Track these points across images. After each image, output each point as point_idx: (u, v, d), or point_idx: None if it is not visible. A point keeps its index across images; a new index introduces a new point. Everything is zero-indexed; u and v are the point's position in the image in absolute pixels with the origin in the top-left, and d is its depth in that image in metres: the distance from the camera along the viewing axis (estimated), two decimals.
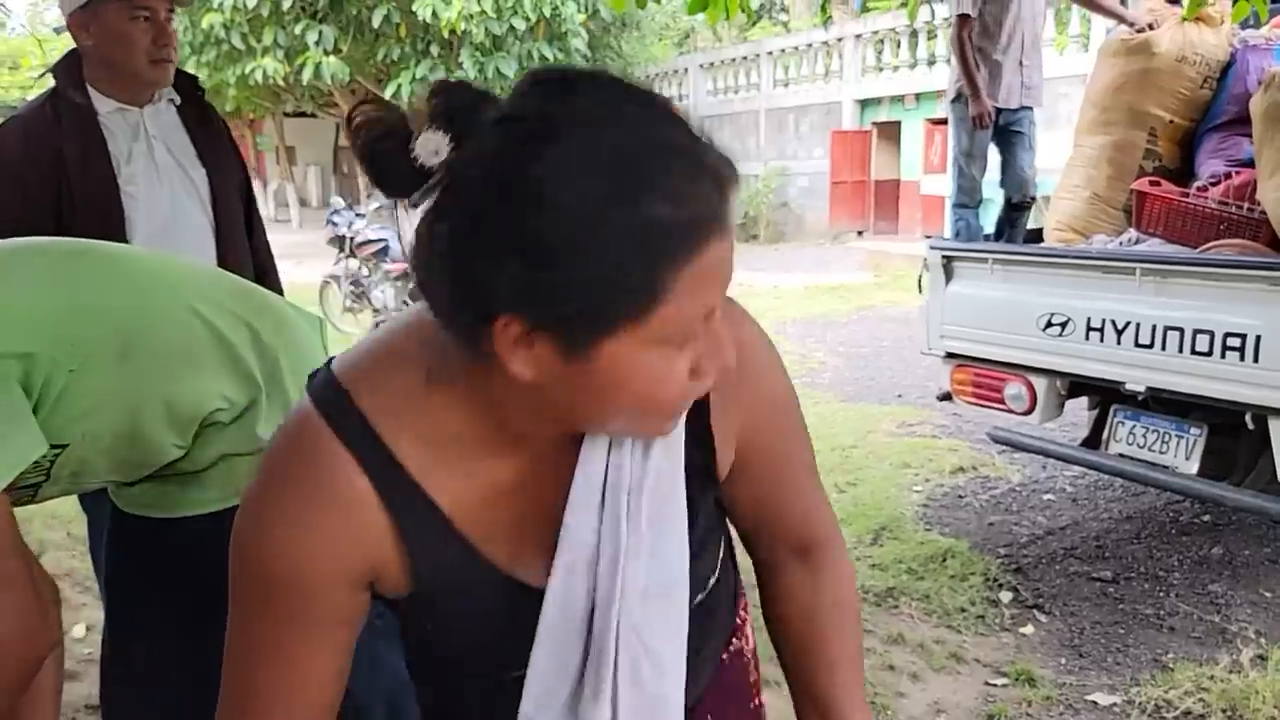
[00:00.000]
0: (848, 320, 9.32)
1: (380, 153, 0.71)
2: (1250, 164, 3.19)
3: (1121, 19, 3.98)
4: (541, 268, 0.65)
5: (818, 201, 18.45)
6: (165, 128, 2.21)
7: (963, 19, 3.82)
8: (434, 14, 12.38)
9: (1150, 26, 3.67)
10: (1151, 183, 3.32)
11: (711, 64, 21.80)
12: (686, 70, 22.28)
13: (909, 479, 4.34)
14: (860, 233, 17.87)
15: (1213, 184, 3.35)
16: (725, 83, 21.28)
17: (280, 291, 2.24)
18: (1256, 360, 2.88)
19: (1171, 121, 3.63)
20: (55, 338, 1.26)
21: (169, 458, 1.42)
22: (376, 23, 12.78)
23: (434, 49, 13.59)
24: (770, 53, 20.10)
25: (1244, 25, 3.57)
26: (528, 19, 12.86)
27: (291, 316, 1.62)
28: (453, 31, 12.76)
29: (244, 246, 2.33)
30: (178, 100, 2.25)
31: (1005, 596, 3.31)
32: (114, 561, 1.63)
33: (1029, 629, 3.13)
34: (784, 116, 19.62)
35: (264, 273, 2.39)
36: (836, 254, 15.49)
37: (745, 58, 20.85)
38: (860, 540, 3.84)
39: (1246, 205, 3.15)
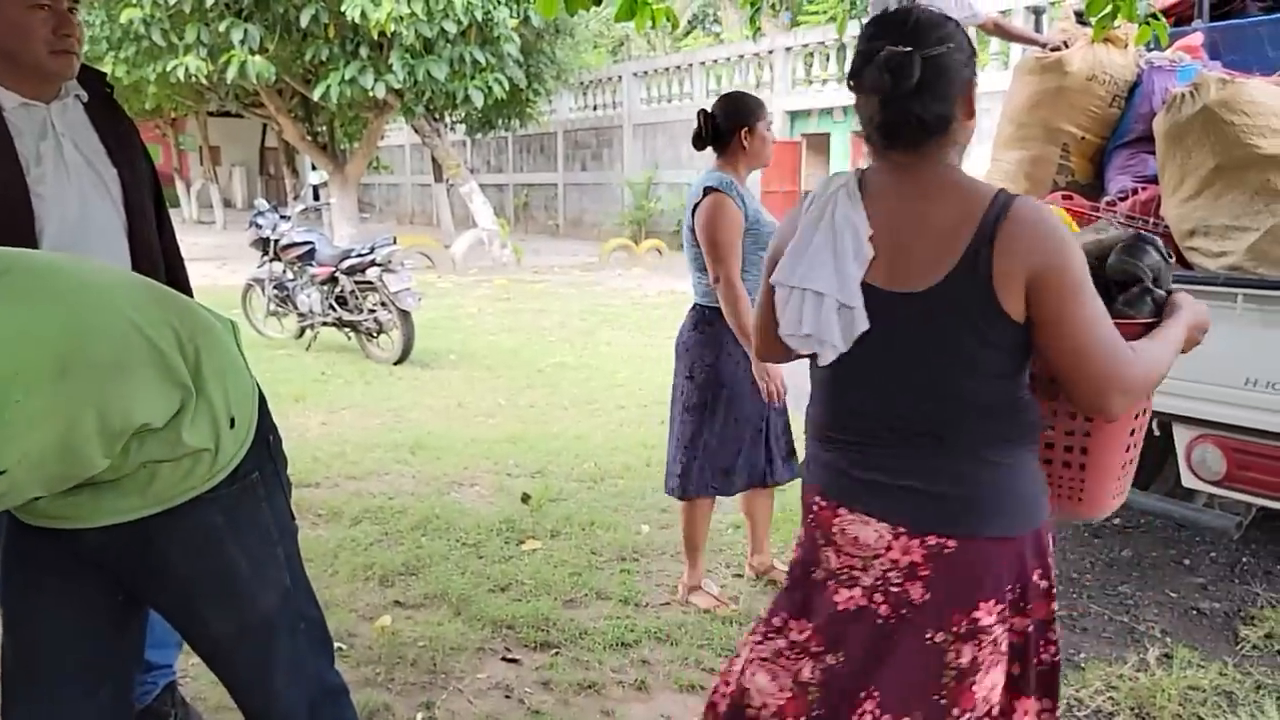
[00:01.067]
0: None
1: None
2: (1155, 180, 3.32)
3: (1034, 42, 4.12)
4: None
5: None
6: (73, 125, 2.14)
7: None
8: (363, 15, 12.19)
9: (1063, 46, 3.80)
10: (1064, 197, 3.43)
11: (645, 72, 21.91)
12: (620, 78, 22.35)
13: None
14: None
15: (1121, 199, 3.48)
16: (659, 91, 21.41)
17: (190, 292, 2.19)
18: None
19: (1083, 138, 3.76)
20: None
21: (95, 470, 1.38)
22: (304, 22, 12.54)
23: (363, 50, 13.38)
24: (703, 63, 20.29)
25: (1149, 47, 3.71)
26: (459, 22, 12.74)
27: (208, 319, 1.59)
28: (382, 33, 12.59)
29: (156, 247, 2.27)
30: (84, 96, 2.18)
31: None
32: (13, 575, 1.58)
33: None
34: None
35: (174, 273, 2.34)
36: None
37: (679, 67, 21.02)
38: (787, 542, 3.89)
39: (1152, 220, 3.28)
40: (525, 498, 4.40)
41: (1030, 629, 1.61)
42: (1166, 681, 2.77)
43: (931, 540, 1.53)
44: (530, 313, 10.89)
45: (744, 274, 3.10)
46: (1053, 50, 3.84)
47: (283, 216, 8.54)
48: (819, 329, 1.56)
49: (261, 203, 8.78)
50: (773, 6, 6.07)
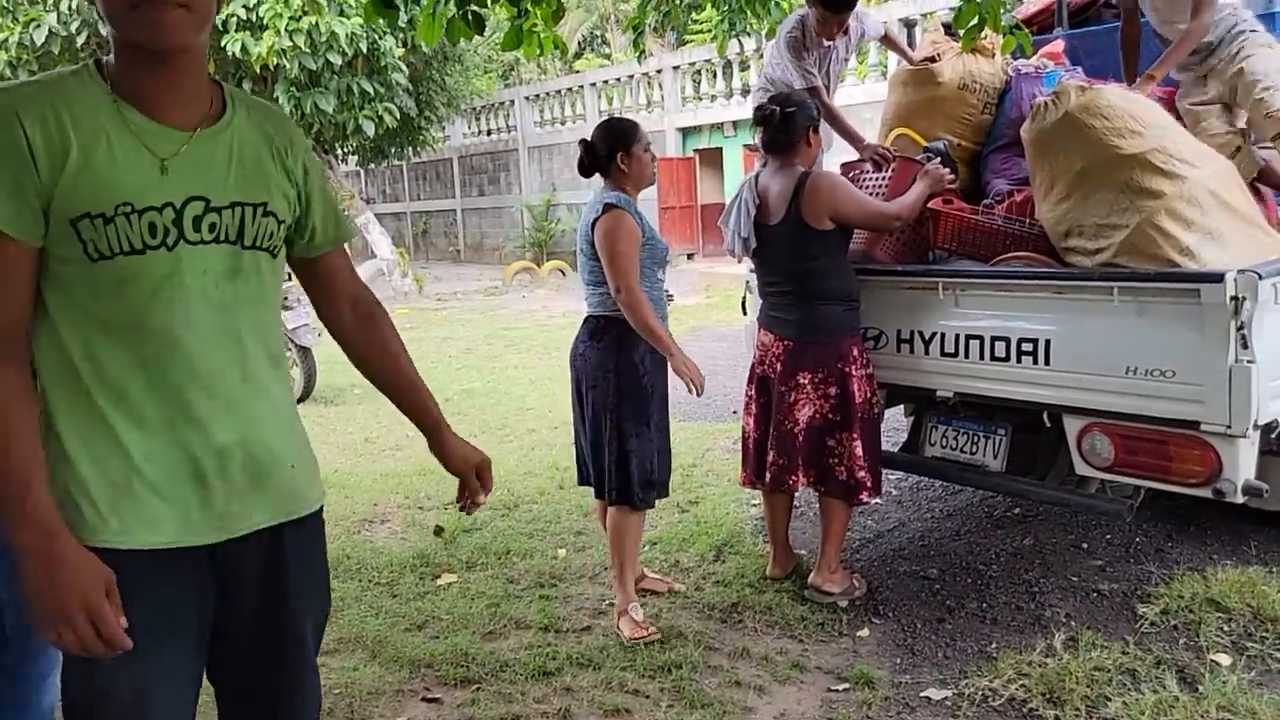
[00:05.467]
0: (682, 340, 9.43)
1: None
2: (1029, 182, 3.46)
3: (905, 56, 4.27)
4: None
5: None
6: None
7: (813, 90, 4.04)
8: (244, 49, 11.93)
9: (933, 59, 3.94)
10: (945, 201, 3.55)
11: (537, 96, 21.95)
12: (513, 102, 22.34)
13: (747, 494, 4.46)
14: (690, 255, 18.31)
15: (998, 202, 3.62)
16: (551, 114, 21.47)
17: None
18: (1048, 363, 3.13)
19: (959, 144, 3.91)
20: None
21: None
22: None
23: (246, 85, 13.07)
24: (594, 84, 20.43)
25: (1015, 55, 3.88)
26: (344, 54, 12.56)
27: None
28: (265, 67, 12.33)
29: None
30: None
31: (842, 602, 3.44)
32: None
33: (865, 632, 3.26)
34: None
35: None
36: (669, 277, 15.77)
37: (570, 89, 21.11)
38: (704, 558, 3.92)
39: (1028, 221, 3.42)
40: (438, 531, 4.32)
41: (836, 392, 3.34)
42: (1074, 665, 2.87)
43: (786, 341, 3.38)
44: (435, 340, 10.75)
45: (640, 285, 3.22)
46: (926, 61, 3.98)
47: None
48: (734, 246, 3.52)
49: None
50: (655, 29, 6.20)
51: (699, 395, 3.29)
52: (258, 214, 1.47)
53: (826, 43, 4.05)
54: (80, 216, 1.32)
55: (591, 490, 3.51)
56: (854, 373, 3.35)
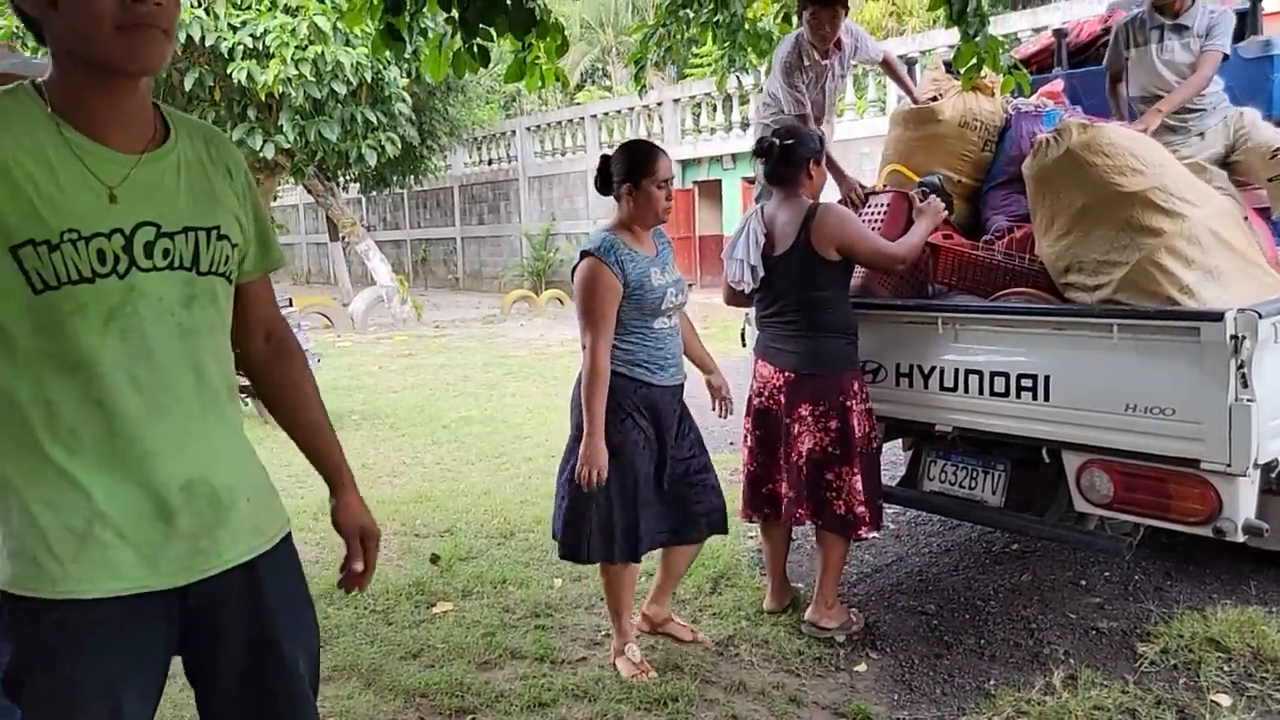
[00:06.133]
0: None
1: None
2: (1029, 218, 3.49)
3: (909, 91, 4.32)
4: None
5: None
6: None
7: (803, 118, 4.12)
8: (249, 77, 12.02)
9: (937, 96, 3.99)
10: (944, 236, 3.57)
11: (538, 126, 22.10)
12: (514, 132, 22.49)
13: (744, 526, 4.43)
14: (690, 285, 18.34)
15: (998, 238, 3.65)
16: (552, 144, 21.61)
17: None
18: (1047, 399, 3.14)
19: (959, 180, 3.94)
20: None
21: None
22: (188, 85, 12.29)
23: (251, 112, 13.17)
24: (594, 116, 20.58)
25: (1015, 95, 3.92)
26: (348, 83, 12.65)
27: None
28: (270, 95, 12.42)
29: None
30: None
31: (839, 636, 3.42)
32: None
33: (862, 667, 3.24)
34: None
35: None
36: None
37: (571, 121, 21.26)
38: (700, 590, 3.90)
39: (1028, 257, 3.44)
40: (434, 558, 4.30)
41: (837, 425, 3.29)
42: (1073, 703, 2.85)
43: (787, 374, 3.36)
44: (433, 368, 10.75)
45: (625, 338, 3.04)
46: (929, 100, 4.02)
47: None
48: (742, 275, 3.42)
49: None
50: (656, 63, 6.27)
51: (586, 487, 2.99)
52: (212, 238, 1.42)
53: (822, 61, 4.10)
54: (22, 243, 1.25)
55: None
56: (854, 406, 3.30)
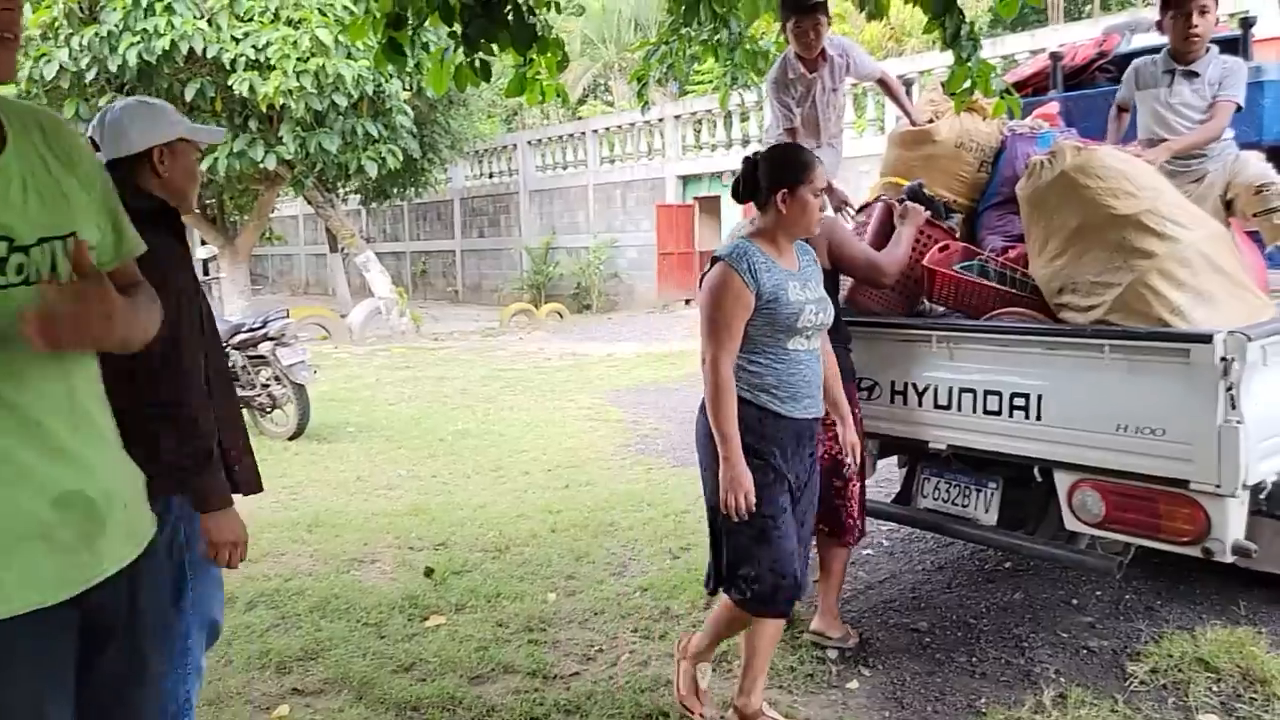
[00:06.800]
0: (679, 387, 9.54)
1: None
2: (1023, 238, 3.52)
3: (906, 111, 4.36)
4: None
5: (646, 272, 18.94)
6: None
7: (791, 132, 4.18)
8: (251, 89, 12.08)
9: (932, 119, 4.03)
10: (942, 248, 3.59)
11: (540, 140, 22.21)
12: (515, 146, 22.59)
13: None
14: (689, 301, 18.40)
15: (995, 256, 3.67)
16: (554, 159, 21.71)
17: None
18: (1040, 418, 3.16)
19: (956, 201, 3.97)
20: None
21: None
22: (189, 96, 12.34)
23: (252, 123, 13.22)
24: (596, 131, 20.68)
25: (1010, 115, 3.96)
26: (350, 96, 12.72)
27: None
28: (271, 106, 12.48)
29: None
30: None
31: (832, 653, 3.43)
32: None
33: (854, 684, 3.25)
34: (611, 191, 20.14)
35: None
36: (666, 322, 15.88)
37: (572, 135, 21.37)
38: (694, 605, 3.90)
39: (1021, 274, 3.47)
40: (428, 572, 4.31)
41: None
42: None
43: None
44: (431, 380, 10.76)
45: (755, 359, 2.73)
46: (926, 121, 4.06)
47: None
48: None
49: None
50: (659, 80, 6.32)
51: (734, 519, 2.67)
52: (69, 246, 1.34)
53: (808, 74, 4.14)
54: None
55: None
56: (858, 414, 3.31)
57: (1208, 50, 3.75)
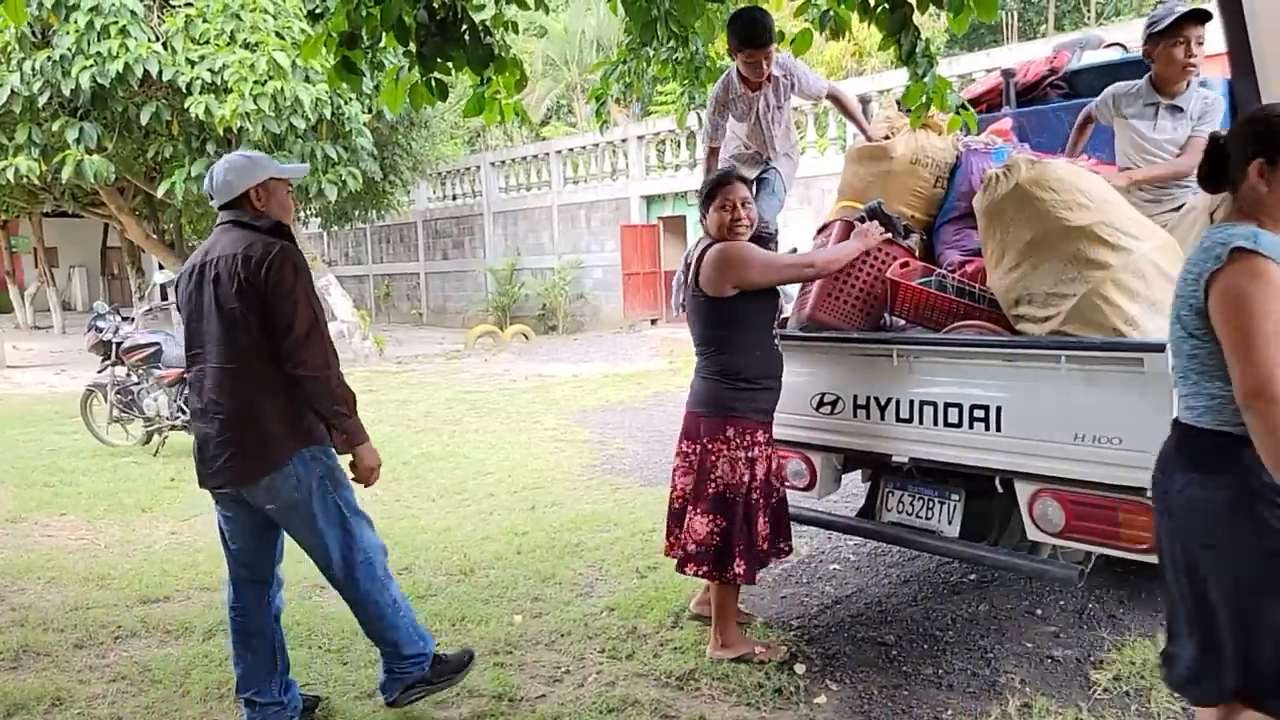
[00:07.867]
0: (645, 406, 9.54)
1: None
2: (980, 252, 3.56)
3: (861, 126, 4.40)
4: None
5: (612, 292, 18.94)
6: None
7: (712, 152, 4.40)
8: (207, 111, 11.95)
9: (888, 135, 4.07)
10: (903, 265, 3.62)
11: (503, 162, 22.18)
12: (479, 168, 22.55)
13: None
14: (654, 321, 18.42)
15: (952, 271, 3.71)
16: (517, 180, 21.69)
17: None
18: (999, 429, 3.18)
19: (913, 216, 4.01)
20: None
21: None
22: (145, 119, 12.19)
23: (210, 146, 13.07)
24: (559, 151, 20.70)
25: (964, 132, 4.01)
26: (308, 119, 12.62)
27: None
28: (229, 129, 12.35)
29: None
30: None
31: (799, 668, 3.42)
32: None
33: (822, 699, 3.24)
34: (575, 212, 20.15)
35: None
36: (632, 342, 15.87)
37: (536, 156, 21.37)
38: (661, 624, 3.88)
39: (979, 287, 3.50)
40: None
41: (697, 465, 3.42)
42: None
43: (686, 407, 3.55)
44: (394, 404, 10.66)
45: None
46: (883, 138, 4.10)
47: (125, 318, 8.20)
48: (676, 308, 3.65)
49: (101, 305, 8.37)
50: (617, 100, 6.34)
51: None
52: None
53: (750, 93, 4.19)
54: None
55: None
56: (718, 451, 3.39)
57: (1188, 84, 3.78)
